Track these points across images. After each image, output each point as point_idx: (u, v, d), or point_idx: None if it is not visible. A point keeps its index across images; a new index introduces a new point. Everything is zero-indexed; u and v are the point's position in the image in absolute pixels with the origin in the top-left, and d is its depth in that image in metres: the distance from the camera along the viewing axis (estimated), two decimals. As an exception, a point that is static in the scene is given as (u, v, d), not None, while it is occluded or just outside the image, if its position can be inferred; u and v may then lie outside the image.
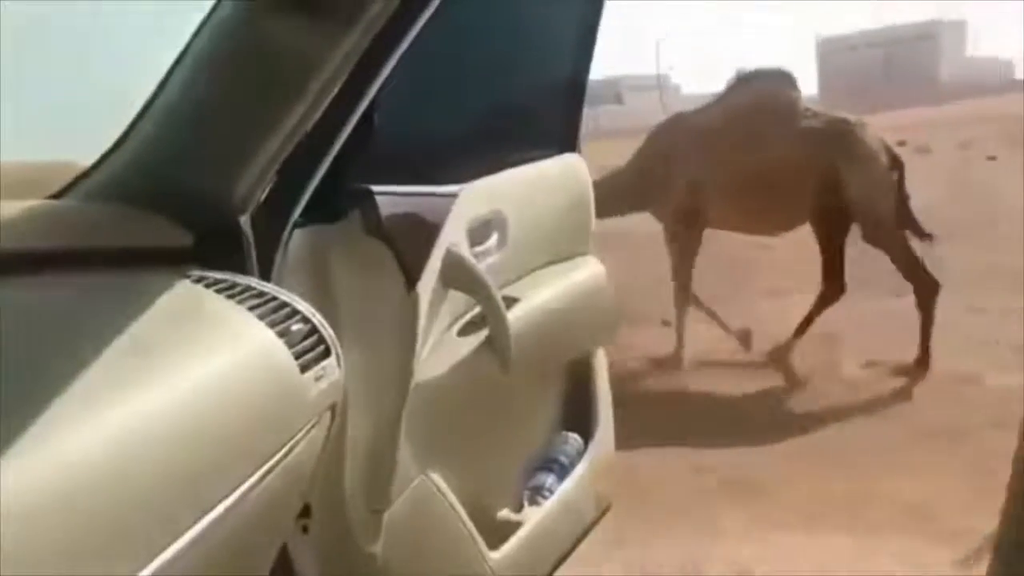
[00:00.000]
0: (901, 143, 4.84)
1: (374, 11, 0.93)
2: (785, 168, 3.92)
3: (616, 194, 4.16)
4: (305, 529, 1.27)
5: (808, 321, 4.21)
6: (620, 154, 4.58)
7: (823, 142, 3.97)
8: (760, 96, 4.18)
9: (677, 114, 4.66)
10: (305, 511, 1.25)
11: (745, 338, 4.30)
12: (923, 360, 3.83)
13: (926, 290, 3.85)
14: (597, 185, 4.63)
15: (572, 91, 1.77)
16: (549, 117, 1.77)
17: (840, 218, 4.01)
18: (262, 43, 0.92)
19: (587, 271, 1.71)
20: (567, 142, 1.75)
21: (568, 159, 1.73)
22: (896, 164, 3.96)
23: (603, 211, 4.51)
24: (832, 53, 48.72)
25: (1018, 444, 0.61)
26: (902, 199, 3.97)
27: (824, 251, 4.12)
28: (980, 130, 10.60)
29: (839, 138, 3.97)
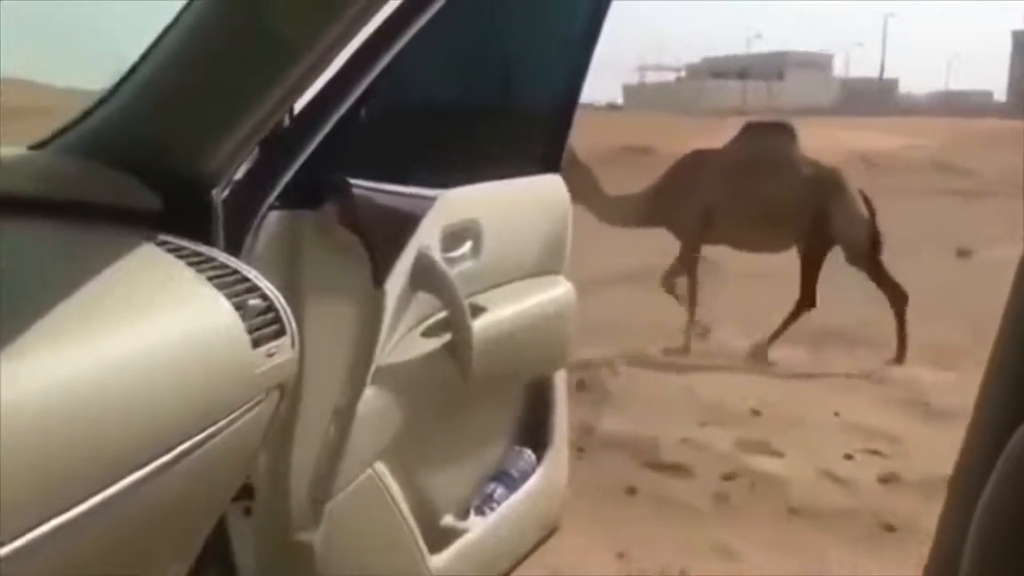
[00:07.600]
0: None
1: (361, 5, 0.96)
2: (786, 204, 4.95)
3: (639, 210, 5.17)
4: (248, 511, 1.27)
5: (784, 326, 4.99)
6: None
7: (817, 187, 4.98)
8: (767, 145, 5.20)
9: (698, 150, 5.59)
10: (249, 492, 1.25)
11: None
12: (900, 353, 4.76)
13: (898, 299, 4.81)
14: (621, 201, 5.26)
15: (561, 114, 1.81)
16: (536, 137, 1.80)
17: (821, 245, 4.99)
18: (254, 22, 0.95)
19: (557, 291, 1.73)
20: (550, 163, 1.78)
21: (549, 179, 1.77)
22: (869, 206, 4.99)
23: (626, 222, 5.20)
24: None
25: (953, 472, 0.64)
26: (877, 233, 4.96)
27: (805, 270, 5.07)
28: None
29: (830, 184, 5.00)
